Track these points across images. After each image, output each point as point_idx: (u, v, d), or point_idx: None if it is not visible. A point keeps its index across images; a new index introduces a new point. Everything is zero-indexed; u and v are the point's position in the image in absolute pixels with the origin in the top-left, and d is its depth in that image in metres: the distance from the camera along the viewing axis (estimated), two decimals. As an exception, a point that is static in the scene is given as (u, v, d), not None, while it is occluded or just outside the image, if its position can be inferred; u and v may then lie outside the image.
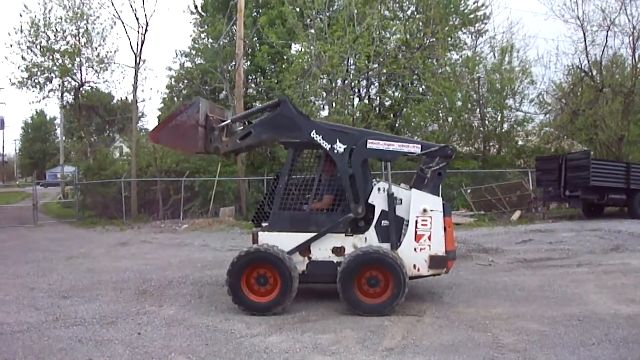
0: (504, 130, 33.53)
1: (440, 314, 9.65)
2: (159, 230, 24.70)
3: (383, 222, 9.83)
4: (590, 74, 32.14)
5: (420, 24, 32.89)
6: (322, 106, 31.31)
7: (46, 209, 37.98)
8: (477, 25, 35.84)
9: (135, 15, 30.34)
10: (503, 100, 32.54)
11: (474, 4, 35.14)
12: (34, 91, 35.82)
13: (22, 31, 34.27)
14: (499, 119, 33.62)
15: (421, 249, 9.70)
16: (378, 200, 9.88)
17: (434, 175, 10.01)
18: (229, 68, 31.76)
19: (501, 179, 28.82)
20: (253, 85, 37.57)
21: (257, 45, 34.74)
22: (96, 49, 35.94)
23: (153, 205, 30.10)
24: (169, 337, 8.66)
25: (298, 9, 32.19)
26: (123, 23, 31.36)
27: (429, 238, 9.69)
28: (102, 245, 20.43)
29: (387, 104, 35.10)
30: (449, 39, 34.10)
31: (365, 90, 35.00)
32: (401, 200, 9.86)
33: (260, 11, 36.76)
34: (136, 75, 31.96)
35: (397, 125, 32.89)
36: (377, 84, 34.29)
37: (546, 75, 39.31)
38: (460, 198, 27.77)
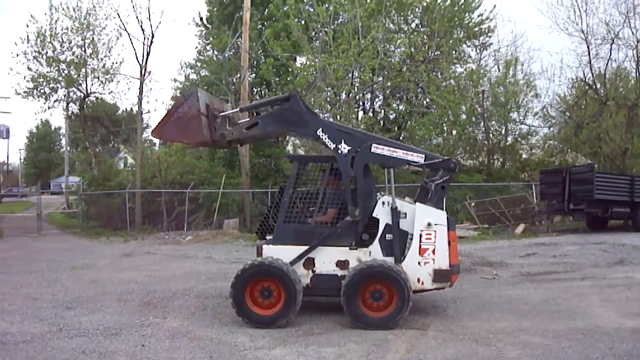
0: (507, 143, 33.58)
1: (444, 327, 9.63)
2: (162, 242, 24.70)
3: (387, 235, 9.82)
4: (594, 86, 32.20)
5: (425, 36, 33.04)
6: (326, 119, 31.37)
7: (50, 219, 38.02)
8: (481, 38, 36.04)
9: (141, 26, 30.49)
10: (507, 113, 32.60)
11: (478, 17, 35.30)
12: (39, 101, 35.98)
13: (28, 41, 34.48)
14: (503, 131, 33.70)
15: (425, 263, 9.69)
16: (382, 213, 9.88)
17: (437, 189, 10.02)
18: (234, 80, 31.88)
19: (505, 192, 28.78)
20: (258, 98, 37.65)
21: (262, 57, 34.84)
22: (102, 59, 36.09)
23: (157, 216, 30.14)
24: (172, 349, 8.65)
25: (303, 22, 32.38)
26: (129, 34, 31.47)
27: (433, 252, 9.69)
28: (105, 256, 20.45)
29: (392, 116, 35.21)
30: (453, 52, 34.25)
31: (369, 103, 35.19)
32: (405, 213, 9.85)
33: (265, 24, 36.90)
34: (141, 86, 32.09)
35: (401, 138, 32.92)
36: (381, 97, 34.47)
37: (550, 88, 39.42)
38: (464, 211, 27.73)
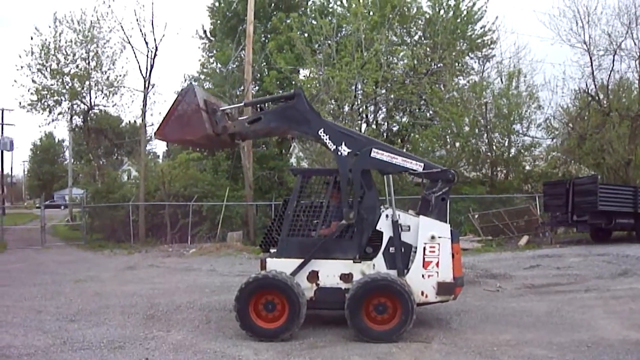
0: (511, 155, 33.52)
1: (448, 340, 9.63)
2: (166, 254, 24.69)
3: (391, 248, 9.83)
4: (597, 98, 32.22)
5: (427, 49, 33.14)
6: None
7: (54, 231, 38.05)
8: (484, 50, 36.09)
9: (145, 39, 30.60)
10: (510, 125, 32.58)
11: (481, 29, 35.39)
12: (42, 114, 36.18)
13: (32, 53, 34.76)
14: (506, 143, 33.64)
15: (429, 276, 9.70)
16: (385, 226, 9.89)
17: (437, 201, 10.04)
18: (237, 93, 31.92)
19: (508, 204, 28.74)
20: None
21: (266, 70, 34.98)
22: (105, 72, 36.39)
23: (160, 228, 30.13)
24: (176, 362, 8.66)
25: (306, 35, 32.46)
26: (132, 47, 31.57)
27: (437, 265, 9.70)
28: (109, 269, 20.46)
29: (395, 129, 35.27)
30: (456, 64, 34.30)
31: (372, 116, 35.23)
32: (409, 226, 9.87)
33: (269, 36, 37.02)
34: (145, 98, 32.20)
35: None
36: (384, 109, 34.51)
37: (553, 99, 39.40)
38: (468, 223, 27.70)
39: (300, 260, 9.89)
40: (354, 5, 33.10)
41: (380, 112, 35.28)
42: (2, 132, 61.04)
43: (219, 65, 38.06)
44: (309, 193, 10.70)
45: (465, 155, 33.52)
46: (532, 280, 15.76)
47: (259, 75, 35.20)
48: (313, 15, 35.28)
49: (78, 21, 35.28)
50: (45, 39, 34.82)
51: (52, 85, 35.35)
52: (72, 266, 21.25)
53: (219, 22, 39.96)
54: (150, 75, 31.66)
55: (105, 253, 26.08)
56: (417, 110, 33.14)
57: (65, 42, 35.04)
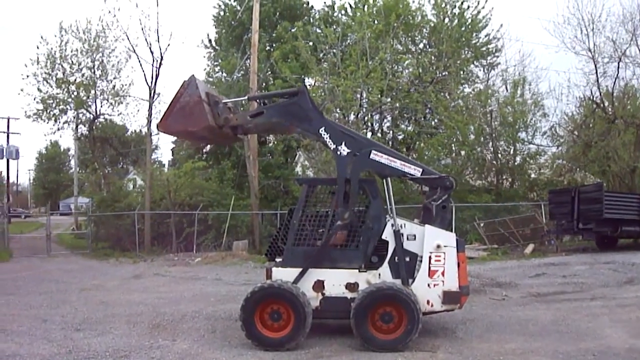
0: (516, 163, 33.46)
1: (454, 349, 9.62)
2: (172, 263, 24.70)
3: (396, 257, 9.83)
4: (602, 105, 32.19)
5: (432, 57, 33.14)
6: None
7: (59, 240, 38.10)
8: (488, 58, 36.02)
9: (150, 48, 30.68)
10: (515, 133, 32.52)
11: (486, 37, 35.36)
12: (48, 123, 36.34)
13: (38, 62, 34.92)
14: (512, 151, 33.57)
15: (435, 285, 9.70)
16: (391, 236, 9.90)
17: (438, 209, 10.05)
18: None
19: (514, 212, 28.68)
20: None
21: (271, 79, 35.03)
22: (111, 81, 36.55)
23: (166, 237, 30.14)
24: (182, 371, 8.66)
25: (311, 44, 32.53)
26: (138, 56, 31.71)
27: (443, 274, 9.70)
28: (115, 278, 20.49)
29: (400, 137, 35.23)
30: (461, 72, 34.33)
31: (378, 124, 35.29)
32: (415, 235, 9.87)
33: (274, 45, 37.15)
34: (150, 107, 32.23)
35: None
36: (389, 118, 34.54)
37: (558, 107, 39.14)
38: (473, 231, 27.64)
39: (305, 270, 9.89)
40: (358, 14, 33.22)
41: (385, 120, 35.38)
42: (8, 141, 61.14)
43: (224, 74, 38.21)
44: (315, 202, 10.74)
45: (470, 163, 33.48)
46: (537, 288, 15.73)
47: (264, 84, 35.24)
48: (318, 24, 35.36)
49: (84, 30, 35.50)
50: (51, 48, 35.08)
51: (57, 94, 35.54)
52: (77, 275, 21.30)
53: (224, 31, 40.11)
54: (155, 84, 31.76)
55: (111, 262, 26.12)
56: (422, 119, 33.14)
57: (71, 51, 35.28)
